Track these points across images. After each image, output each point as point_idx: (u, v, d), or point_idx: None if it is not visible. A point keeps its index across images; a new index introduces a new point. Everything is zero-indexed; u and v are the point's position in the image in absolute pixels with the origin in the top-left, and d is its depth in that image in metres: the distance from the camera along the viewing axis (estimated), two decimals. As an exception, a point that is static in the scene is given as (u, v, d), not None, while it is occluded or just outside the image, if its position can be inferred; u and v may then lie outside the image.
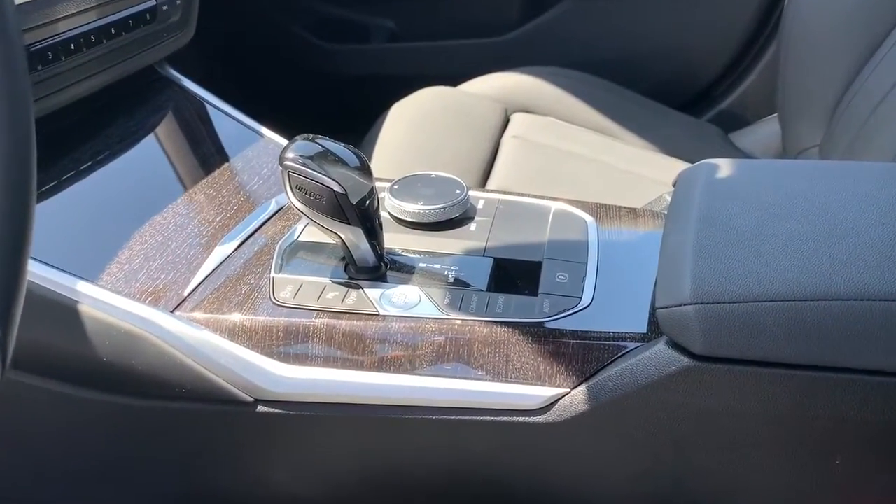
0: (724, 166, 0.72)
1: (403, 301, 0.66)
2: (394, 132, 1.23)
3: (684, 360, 0.59)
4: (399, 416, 0.64)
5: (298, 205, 0.65)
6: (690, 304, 0.58)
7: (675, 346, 0.60)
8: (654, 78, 1.53)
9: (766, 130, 1.41)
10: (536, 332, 0.63)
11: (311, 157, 0.63)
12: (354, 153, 0.66)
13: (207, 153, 0.87)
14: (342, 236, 0.66)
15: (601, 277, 0.69)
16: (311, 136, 0.66)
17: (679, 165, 1.30)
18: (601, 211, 0.79)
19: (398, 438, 0.66)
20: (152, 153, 0.84)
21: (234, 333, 0.65)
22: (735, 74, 1.53)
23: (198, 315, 0.66)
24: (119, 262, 0.69)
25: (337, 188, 0.63)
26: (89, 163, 0.78)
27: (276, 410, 0.65)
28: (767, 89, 1.43)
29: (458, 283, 0.68)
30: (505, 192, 0.82)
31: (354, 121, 1.34)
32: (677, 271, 0.60)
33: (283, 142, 0.91)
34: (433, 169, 1.22)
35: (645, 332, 0.63)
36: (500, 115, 1.33)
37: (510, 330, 0.63)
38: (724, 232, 0.62)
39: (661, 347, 0.60)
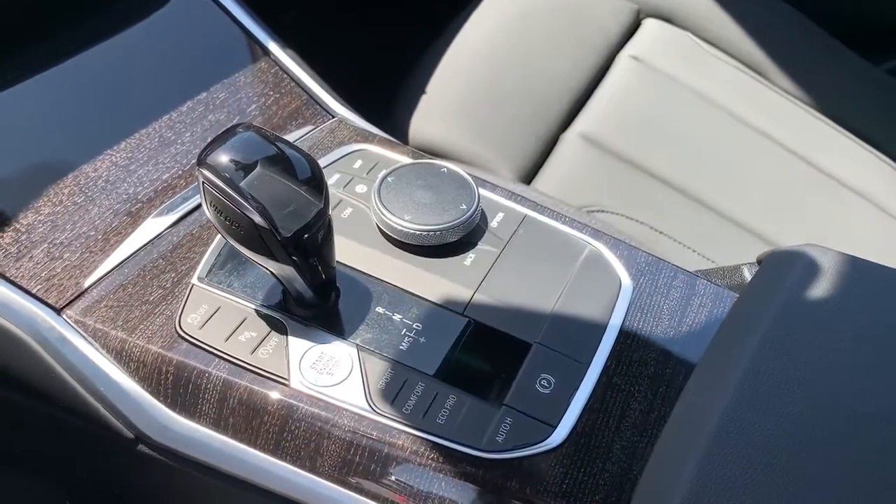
0: (837, 277, 0.50)
1: (329, 369, 0.51)
2: (478, 32, 0.99)
3: None
4: (293, 512, 0.51)
5: (215, 224, 0.49)
6: (671, 533, 0.40)
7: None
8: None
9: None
10: (475, 472, 0.47)
11: (240, 166, 0.47)
12: (307, 161, 0.48)
13: (180, 76, 0.68)
14: (269, 269, 0.51)
15: (598, 397, 0.51)
16: (253, 126, 0.49)
17: (828, 132, 1.01)
18: (649, 271, 0.59)
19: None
20: (103, 71, 0.65)
21: (122, 357, 0.52)
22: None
23: (88, 321, 0.53)
24: (16, 230, 0.56)
25: (258, 220, 0.47)
26: (15, 73, 0.62)
27: (159, 457, 0.53)
28: None
29: (410, 352, 0.52)
30: (541, 204, 0.62)
31: (433, 10, 1.09)
32: (673, 465, 0.42)
33: (293, 69, 0.71)
34: (516, 90, 0.97)
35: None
36: (629, 19, 1.08)
37: (442, 456, 0.48)
38: (771, 419, 0.42)
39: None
